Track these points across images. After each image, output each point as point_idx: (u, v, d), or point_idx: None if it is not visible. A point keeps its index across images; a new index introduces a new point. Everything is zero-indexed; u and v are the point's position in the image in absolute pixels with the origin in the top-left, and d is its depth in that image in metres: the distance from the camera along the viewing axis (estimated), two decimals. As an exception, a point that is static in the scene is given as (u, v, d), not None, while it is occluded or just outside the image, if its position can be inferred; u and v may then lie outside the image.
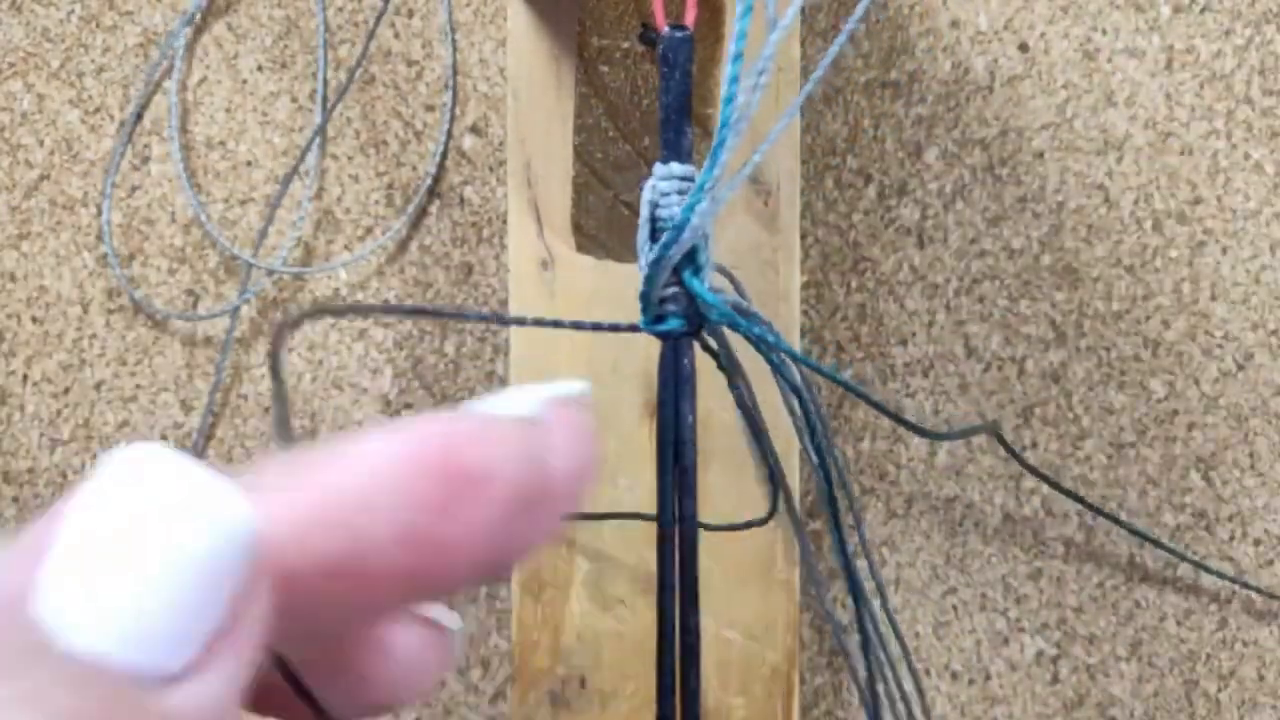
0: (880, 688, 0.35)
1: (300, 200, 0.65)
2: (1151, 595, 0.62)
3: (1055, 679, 0.63)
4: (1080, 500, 0.61)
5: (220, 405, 0.66)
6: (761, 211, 0.56)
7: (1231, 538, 0.62)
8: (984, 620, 0.63)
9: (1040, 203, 0.63)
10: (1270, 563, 0.62)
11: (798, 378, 0.33)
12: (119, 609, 0.18)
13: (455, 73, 0.61)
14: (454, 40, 0.64)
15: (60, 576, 0.18)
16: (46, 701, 0.17)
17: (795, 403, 0.33)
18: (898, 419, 0.35)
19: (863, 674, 0.35)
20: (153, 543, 0.18)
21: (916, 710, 0.37)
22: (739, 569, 0.57)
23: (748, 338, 0.32)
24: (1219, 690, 0.62)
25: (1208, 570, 0.61)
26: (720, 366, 0.32)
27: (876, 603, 0.42)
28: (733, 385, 0.32)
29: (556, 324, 0.32)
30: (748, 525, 0.34)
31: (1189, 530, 0.62)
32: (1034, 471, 0.60)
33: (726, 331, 0.32)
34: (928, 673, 0.64)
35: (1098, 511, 0.61)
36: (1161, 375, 0.62)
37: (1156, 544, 0.61)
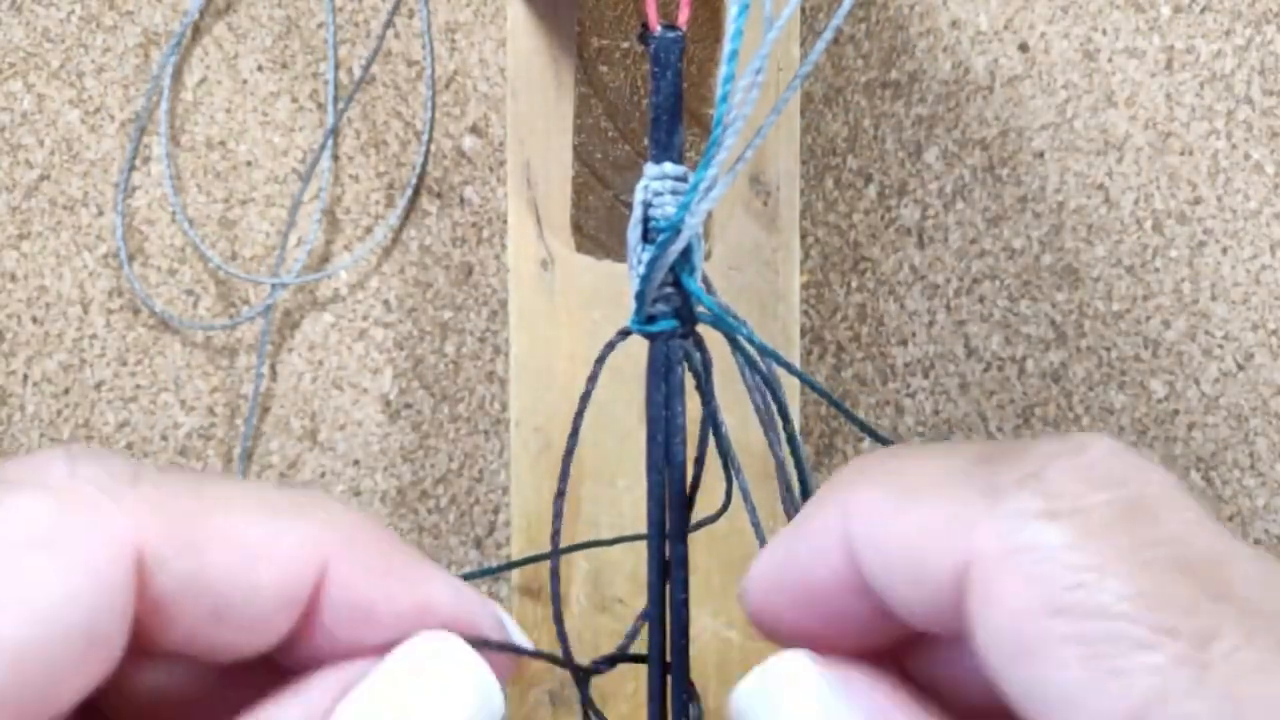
0: None
1: (305, 204, 0.66)
2: (1152, 595, 0.62)
3: (1055, 679, 0.63)
4: None
5: (221, 406, 0.66)
6: (761, 212, 0.56)
7: (1232, 538, 0.62)
8: (984, 620, 0.63)
9: (1040, 203, 0.63)
10: (1270, 563, 0.62)
11: (778, 380, 0.33)
12: None
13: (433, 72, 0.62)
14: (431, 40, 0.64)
15: None
16: None
17: (769, 401, 0.33)
18: (866, 428, 0.35)
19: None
20: None
21: None
22: (739, 568, 0.57)
23: (735, 337, 0.32)
24: (1219, 690, 0.62)
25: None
26: (691, 369, 0.32)
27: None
28: (703, 386, 0.32)
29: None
30: (699, 525, 0.34)
31: (1189, 530, 0.62)
32: None
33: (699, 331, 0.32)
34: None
35: None
36: (1161, 375, 0.62)
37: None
